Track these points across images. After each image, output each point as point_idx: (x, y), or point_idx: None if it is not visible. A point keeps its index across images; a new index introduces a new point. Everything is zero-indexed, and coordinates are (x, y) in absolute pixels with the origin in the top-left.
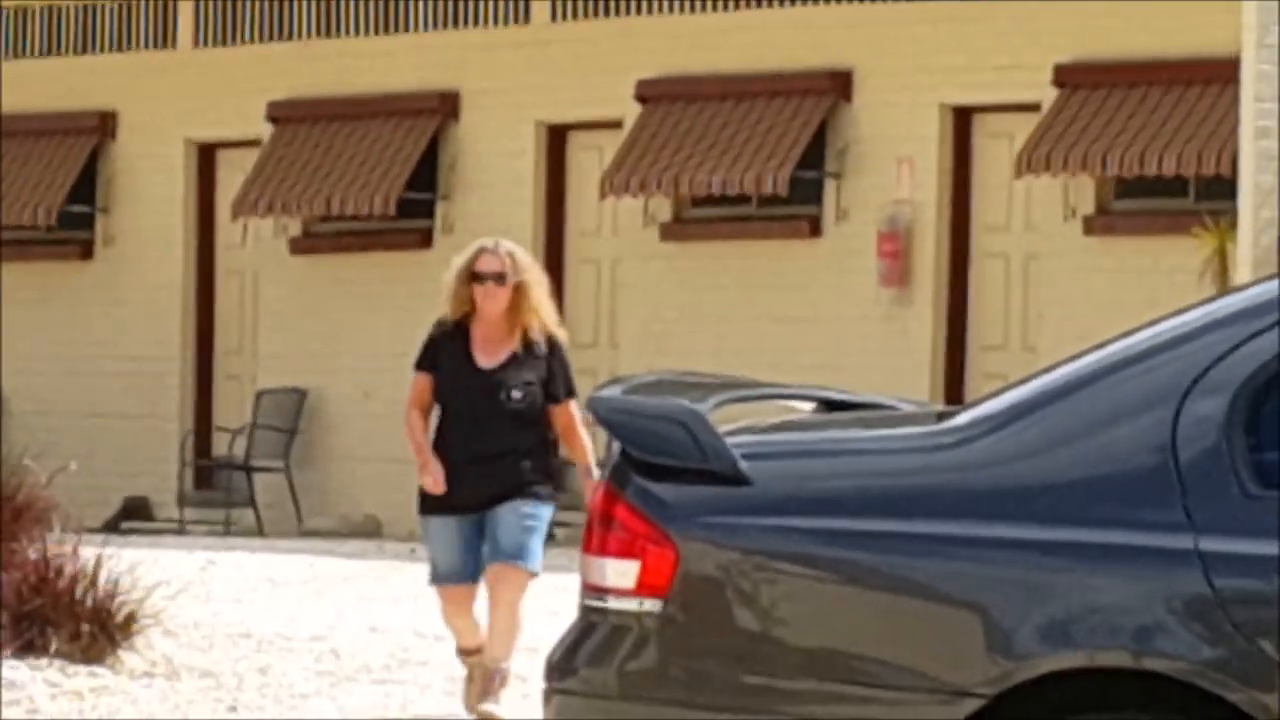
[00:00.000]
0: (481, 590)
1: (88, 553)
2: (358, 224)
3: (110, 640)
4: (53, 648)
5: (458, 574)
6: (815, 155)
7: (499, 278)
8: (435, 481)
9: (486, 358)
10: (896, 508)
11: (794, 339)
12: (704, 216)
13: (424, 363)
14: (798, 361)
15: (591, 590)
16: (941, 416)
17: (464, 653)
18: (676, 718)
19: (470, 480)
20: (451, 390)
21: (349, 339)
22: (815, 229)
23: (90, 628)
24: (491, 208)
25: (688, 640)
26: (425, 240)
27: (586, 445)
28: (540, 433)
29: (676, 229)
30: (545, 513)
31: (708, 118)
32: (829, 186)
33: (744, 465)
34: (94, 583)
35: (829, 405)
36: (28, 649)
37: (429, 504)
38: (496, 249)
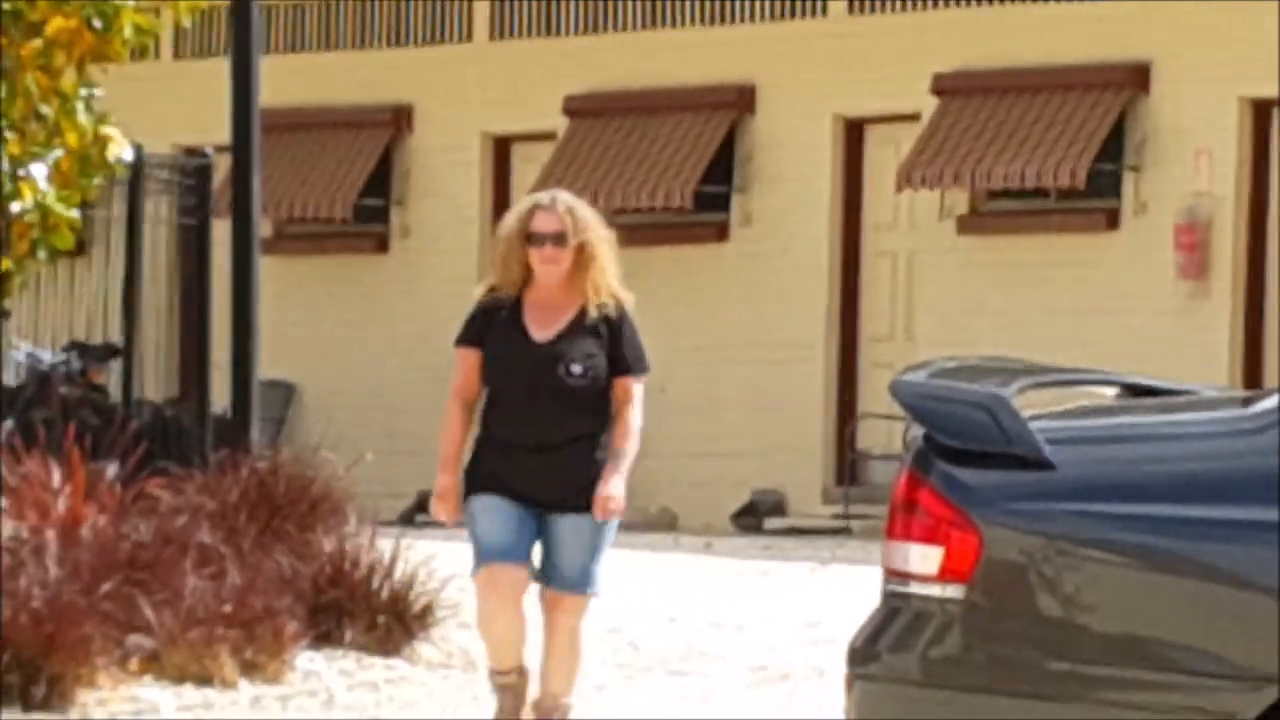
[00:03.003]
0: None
1: (384, 545)
2: (654, 216)
3: (406, 631)
4: (348, 639)
5: (506, 551)
6: (1113, 148)
7: (558, 238)
8: (449, 515)
9: (542, 329)
10: (1203, 493)
11: (1091, 332)
12: (1001, 210)
13: (468, 337)
14: (1094, 354)
15: (894, 576)
16: (1248, 401)
17: (499, 674)
18: (979, 703)
19: (530, 470)
20: (503, 367)
21: (646, 332)
22: (1113, 222)
23: (386, 619)
24: (788, 201)
25: (991, 625)
26: (722, 234)
27: (633, 429)
28: (607, 418)
29: (973, 222)
30: (609, 528)
31: (1005, 110)
32: (1127, 179)
33: (1048, 450)
34: (390, 575)
35: (1132, 391)
36: (324, 640)
37: (482, 482)
38: (553, 204)
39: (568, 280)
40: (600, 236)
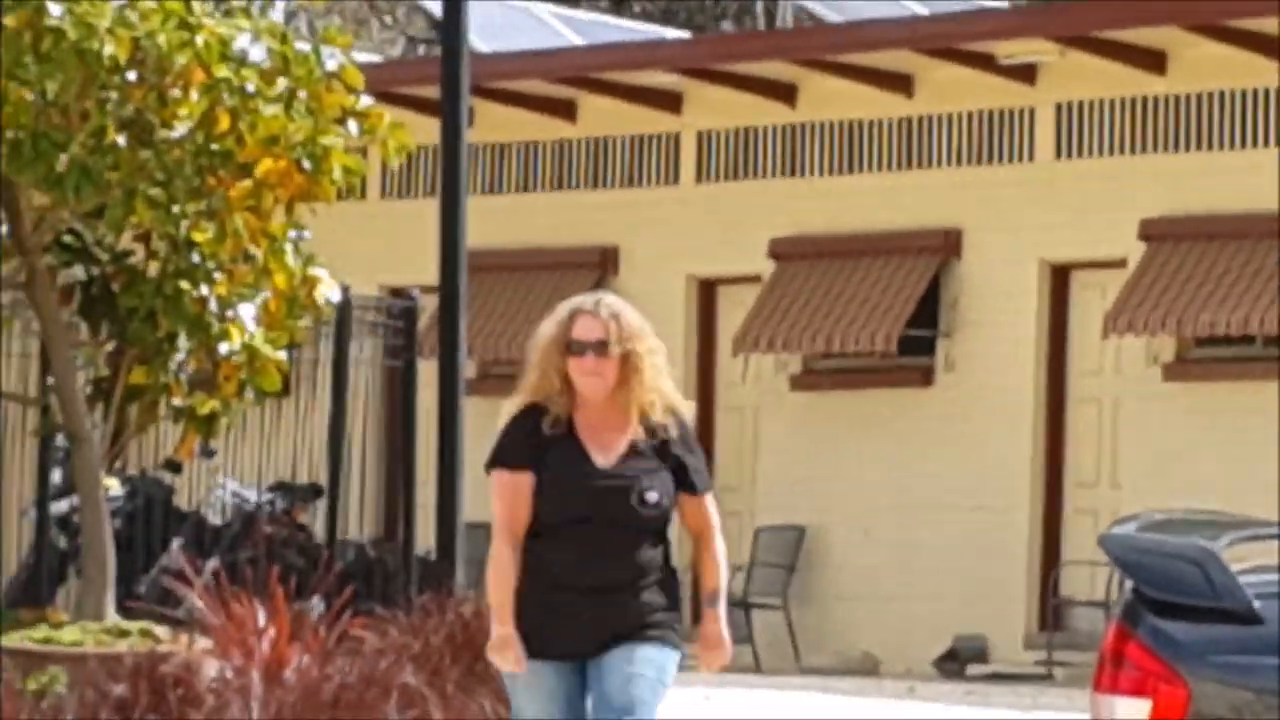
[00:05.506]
0: None
1: None
2: (858, 361)
3: None
4: None
5: None
6: None
7: (600, 347)
8: (513, 665)
9: (603, 454)
10: None
11: None
12: (1207, 356)
13: (519, 457)
14: None
15: None
16: None
17: None
18: None
19: (581, 618)
20: (561, 496)
21: (848, 476)
22: None
23: None
24: (993, 345)
25: None
26: (926, 378)
27: (720, 560)
28: (666, 547)
29: (1179, 369)
30: (670, 662)
31: (1211, 257)
32: None
33: (1258, 605)
34: None
35: None
36: None
37: (522, 641)
38: (597, 309)
39: (617, 396)
40: (649, 348)
